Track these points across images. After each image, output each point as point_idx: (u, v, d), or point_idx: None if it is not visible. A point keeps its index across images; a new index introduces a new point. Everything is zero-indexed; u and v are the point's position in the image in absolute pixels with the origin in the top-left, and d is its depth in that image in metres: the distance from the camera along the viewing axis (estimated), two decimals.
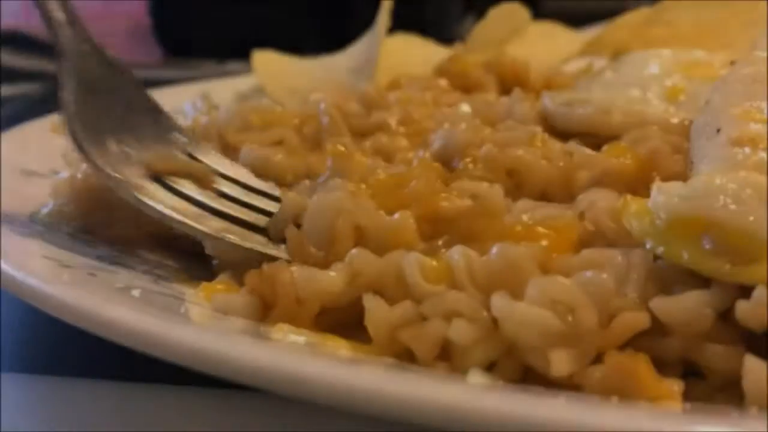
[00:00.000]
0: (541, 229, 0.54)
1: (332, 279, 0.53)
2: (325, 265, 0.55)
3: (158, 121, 0.66)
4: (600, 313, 0.46)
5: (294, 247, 0.58)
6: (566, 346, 0.45)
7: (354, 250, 0.54)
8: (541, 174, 0.62)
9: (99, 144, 0.59)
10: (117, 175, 0.58)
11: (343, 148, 0.65)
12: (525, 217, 0.55)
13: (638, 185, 0.60)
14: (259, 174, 0.67)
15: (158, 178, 0.61)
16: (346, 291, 0.53)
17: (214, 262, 0.62)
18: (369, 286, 0.52)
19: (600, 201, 0.56)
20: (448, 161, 0.66)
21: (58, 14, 0.61)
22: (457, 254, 0.51)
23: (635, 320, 0.46)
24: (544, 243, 0.52)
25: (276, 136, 0.73)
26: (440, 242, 0.56)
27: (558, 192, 0.62)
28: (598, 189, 0.58)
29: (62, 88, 0.59)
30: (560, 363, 0.45)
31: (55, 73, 0.69)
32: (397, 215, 0.56)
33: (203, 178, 0.62)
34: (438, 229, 0.56)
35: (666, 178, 0.59)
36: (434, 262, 0.52)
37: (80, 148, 0.58)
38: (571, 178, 0.61)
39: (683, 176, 0.58)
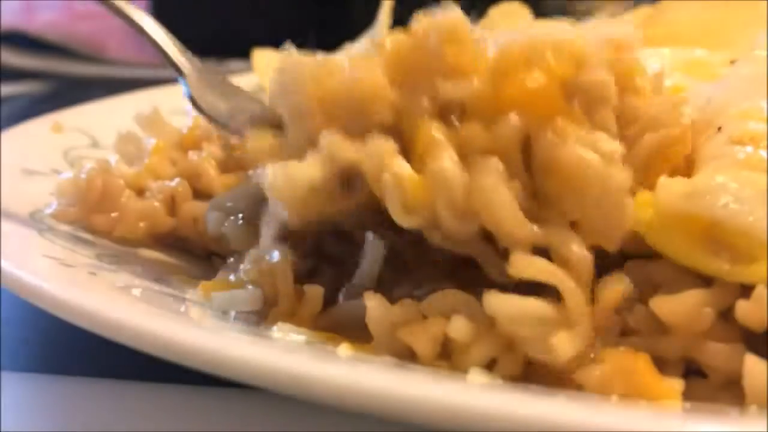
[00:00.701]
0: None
1: (308, 167, 0.50)
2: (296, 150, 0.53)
3: None
4: (584, 288, 0.46)
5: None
6: (564, 330, 0.45)
7: (325, 133, 0.51)
8: None
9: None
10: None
11: None
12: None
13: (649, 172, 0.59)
14: None
15: None
16: (325, 177, 0.50)
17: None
18: (347, 170, 0.50)
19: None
20: None
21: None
22: (439, 169, 0.48)
23: (617, 289, 0.46)
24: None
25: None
26: (420, 96, 0.51)
27: None
28: None
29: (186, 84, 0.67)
30: (563, 346, 0.44)
31: (56, 73, 0.70)
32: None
33: None
34: (408, 75, 0.52)
35: (673, 168, 0.58)
36: (417, 176, 0.48)
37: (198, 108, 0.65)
38: None
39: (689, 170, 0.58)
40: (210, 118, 0.66)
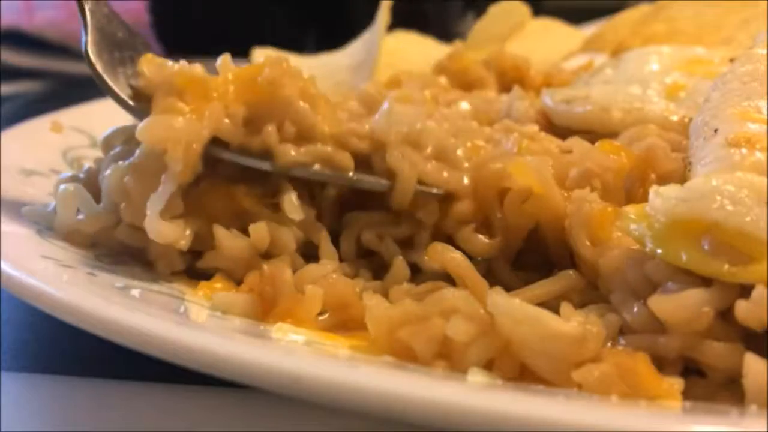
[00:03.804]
0: None
1: None
2: None
3: None
4: None
5: None
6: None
7: None
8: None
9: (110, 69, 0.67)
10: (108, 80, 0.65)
11: None
12: None
13: (634, 183, 0.60)
14: None
15: None
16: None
17: None
18: None
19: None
20: None
21: None
22: None
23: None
24: None
25: None
26: None
27: None
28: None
29: (84, 33, 0.67)
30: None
31: (56, 72, 0.71)
32: None
33: None
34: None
35: (662, 176, 0.59)
36: None
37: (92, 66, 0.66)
38: (562, 176, 0.61)
39: (679, 173, 0.58)
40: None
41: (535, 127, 0.70)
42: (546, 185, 0.58)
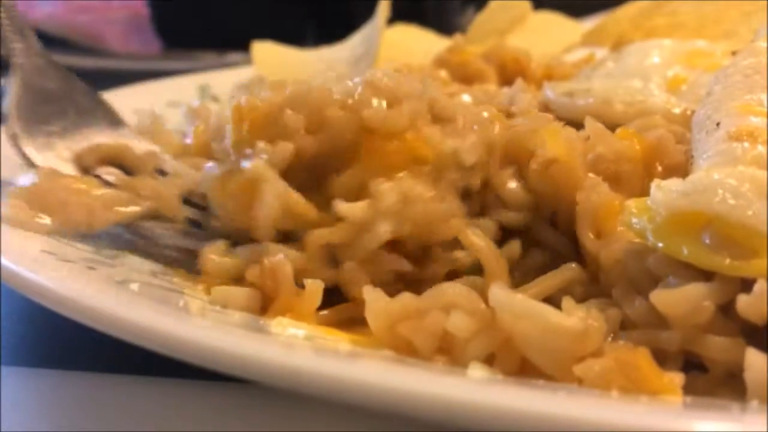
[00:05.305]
0: None
1: None
2: None
3: (114, 124, 0.71)
4: None
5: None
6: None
7: None
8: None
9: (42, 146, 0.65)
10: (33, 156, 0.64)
11: None
12: None
13: (642, 173, 0.60)
14: None
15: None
16: None
17: None
18: None
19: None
20: None
21: (9, 29, 0.67)
22: None
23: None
24: None
25: None
26: None
27: None
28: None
29: (7, 98, 0.65)
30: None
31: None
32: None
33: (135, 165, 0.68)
34: None
35: (668, 168, 0.59)
36: None
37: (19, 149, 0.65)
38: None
39: (684, 166, 0.58)
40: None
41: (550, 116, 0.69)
42: (571, 155, 0.58)
